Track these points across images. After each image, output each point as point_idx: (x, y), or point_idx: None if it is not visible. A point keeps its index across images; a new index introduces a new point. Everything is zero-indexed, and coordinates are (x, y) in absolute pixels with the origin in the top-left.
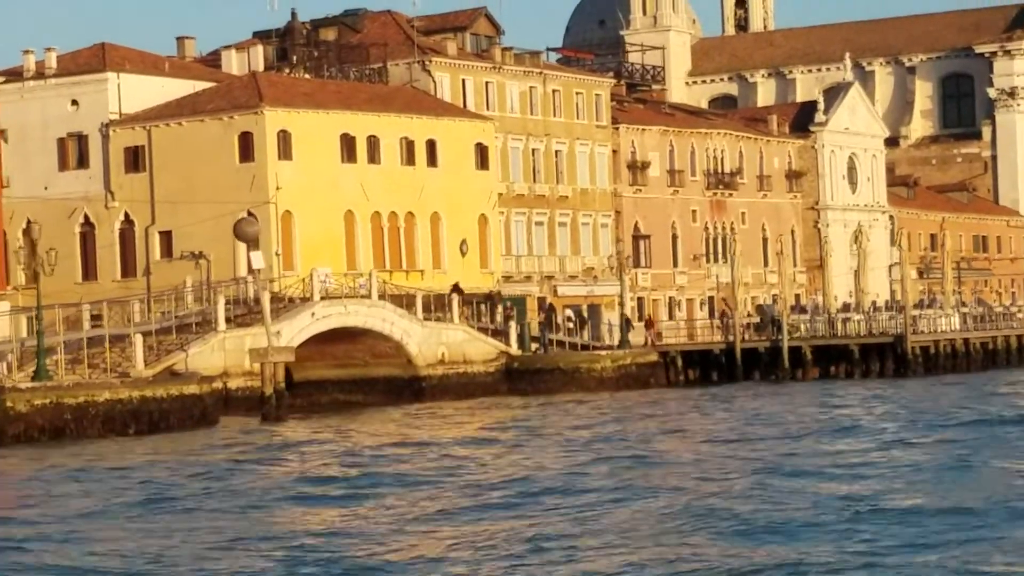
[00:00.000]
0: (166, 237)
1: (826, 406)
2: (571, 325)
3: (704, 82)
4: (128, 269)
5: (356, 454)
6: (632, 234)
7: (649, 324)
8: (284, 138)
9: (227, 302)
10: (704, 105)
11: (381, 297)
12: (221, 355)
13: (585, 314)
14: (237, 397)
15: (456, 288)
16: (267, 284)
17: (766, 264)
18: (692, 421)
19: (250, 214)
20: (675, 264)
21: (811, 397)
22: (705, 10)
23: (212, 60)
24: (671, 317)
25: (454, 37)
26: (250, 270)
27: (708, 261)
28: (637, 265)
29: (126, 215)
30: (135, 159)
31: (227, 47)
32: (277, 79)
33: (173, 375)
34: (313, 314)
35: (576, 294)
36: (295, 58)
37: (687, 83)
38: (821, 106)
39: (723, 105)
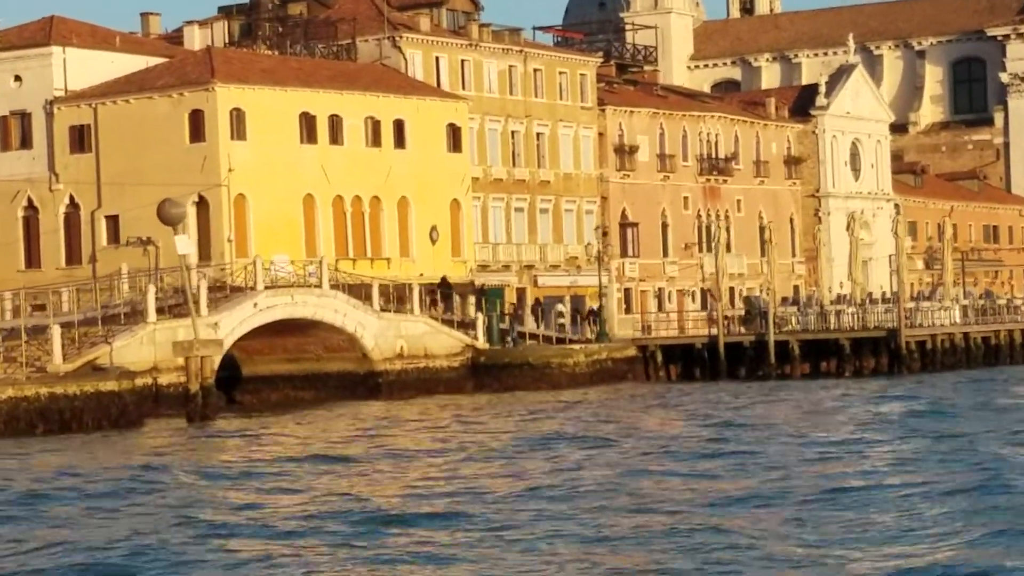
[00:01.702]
0: (113, 222)
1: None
2: (562, 321)
3: (706, 66)
4: (73, 256)
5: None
6: (619, 221)
7: (590, 317)
8: (237, 116)
9: (170, 291)
10: (706, 91)
11: (334, 286)
12: (151, 348)
13: (577, 307)
14: (169, 394)
15: (444, 282)
16: (204, 273)
17: (763, 254)
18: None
19: (201, 197)
20: (665, 253)
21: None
22: None
23: (176, 37)
24: (660, 309)
25: (429, 13)
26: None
27: (700, 250)
28: (624, 254)
29: (71, 198)
30: (80, 139)
31: (190, 23)
32: (234, 55)
33: (95, 370)
34: (256, 304)
35: (558, 284)
36: (259, 34)
37: (689, 67)
38: (823, 89)
39: (726, 91)
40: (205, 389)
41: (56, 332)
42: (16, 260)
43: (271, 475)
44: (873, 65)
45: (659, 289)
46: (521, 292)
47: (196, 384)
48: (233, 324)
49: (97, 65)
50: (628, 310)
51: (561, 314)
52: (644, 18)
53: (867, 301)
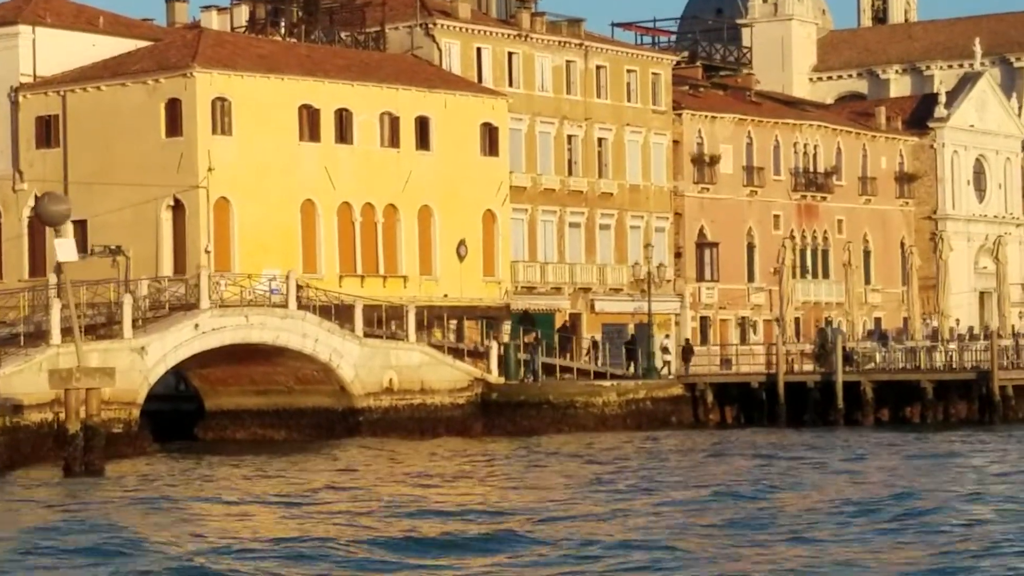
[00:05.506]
0: (80, 227)
1: None
2: (668, 357)
3: (830, 78)
4: (37, 266)
5: None
6: (696, 241)
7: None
8: (221, 107)
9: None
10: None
11: (304, 307)
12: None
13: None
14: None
15: (527, 317)
16: (151, 288)
17: (868, 281)
18: None
19: (177, 201)
20: (750, 278)
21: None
22: (841, 1)
23: (198, 26)
24: (743, 340)
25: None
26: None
27: (793, 276)
28: (701, 278)
29: (36, 200)
30: (47, 131)
31: (207, 8)
32: (228, 37)
33: None
34: (197, 326)
35: (619, 311)
36: (283, 21)
37: (811, 79)
38: (942, 99)
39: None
40: (90, 430)
41: None
42: None
43: None
44: (1013, 78)
45: (742, 318)
46: (575, 317)
47: (76, 424)
48: (165, 349)
49: (75, 48)
50: (704, 341)
51: (666, 349)
52: (763, 25)
53: (967, 337)
